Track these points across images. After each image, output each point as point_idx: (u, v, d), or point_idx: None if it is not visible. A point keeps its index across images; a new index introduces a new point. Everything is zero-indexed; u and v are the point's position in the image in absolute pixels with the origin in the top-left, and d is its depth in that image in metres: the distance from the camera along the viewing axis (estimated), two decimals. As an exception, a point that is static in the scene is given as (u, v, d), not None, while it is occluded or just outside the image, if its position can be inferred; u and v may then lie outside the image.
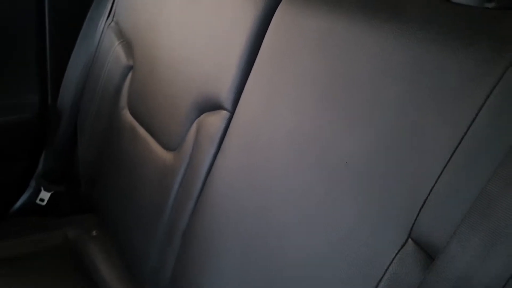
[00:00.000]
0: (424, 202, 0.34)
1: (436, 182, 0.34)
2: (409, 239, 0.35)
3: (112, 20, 0.80)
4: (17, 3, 0.78)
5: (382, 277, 0.36)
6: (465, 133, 0.33)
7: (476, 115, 0.33)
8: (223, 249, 0.50)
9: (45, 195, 0.87)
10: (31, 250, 0.76)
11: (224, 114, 0.54)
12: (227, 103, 0.54)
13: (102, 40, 0.80)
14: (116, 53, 0.75)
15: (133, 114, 0.71)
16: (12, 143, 0.86)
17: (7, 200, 0.89)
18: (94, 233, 0.81)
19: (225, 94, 0.54)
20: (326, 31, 0.44)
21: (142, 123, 0.68)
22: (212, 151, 0.55)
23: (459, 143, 0.33)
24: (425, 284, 0.33)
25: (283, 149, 0.46)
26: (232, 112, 0.53)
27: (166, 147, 0.63)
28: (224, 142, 0.53)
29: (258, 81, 0.50)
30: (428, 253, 0.34)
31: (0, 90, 0.82)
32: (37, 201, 0.88)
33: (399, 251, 0.36)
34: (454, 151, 0.33)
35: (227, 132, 0.53)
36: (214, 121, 0.55)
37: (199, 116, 0.58)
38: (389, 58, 0.38)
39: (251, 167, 0.49)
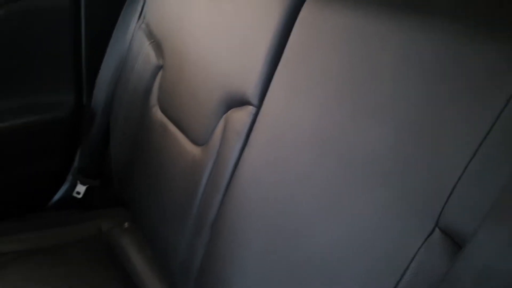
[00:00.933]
0: (452, 191, 0.35)
1: (464, 170, 0.34)
2: (436, 228, 0.36)
3: (143, 22, 0.83)
4: (54, 7, 0.82)
5: (408, 266, 0.37)
6: (494, 123, 0.33)
7: (505, 105, 0.33)
8: (249, 241, 0.52)
9: (81, 189, 0.92)
10: (67, 240, 0.80)
11: (251, 109, 0.55)
12: (254, 99, 0.55)
13: (133, 41, 0.83)
14: (146, 53, 0.78)
15: (163, 111, 0.73)
16: (50, 140, 0.90)
17: (46, 193, 0.93)
18: (126, 225, 0.84)
19: (251, 90, 0.55)
20: (352, 27, 0.44)
21: (172, 120, 0.71)
22: (239, 145, 0.56)
23: (488, 132, 0.33)
24: (452, 272, 0.33)
25: (309, 143, 0.47)
26: (259, 108, 0.55)
27: (195, 142, 0.65)
28: (250, 137, 0.55)
29: (284, 77, 0.51)
30: (456, 242, 0.35)
31: (39, 90, 0.87)
32: (74, 194, 0.92)
33: (425, 239, 0.36)
34: (483, 140, 0.34)
35: (254, 127, 0.54)
36: (241, 116, 0.56)
37: (226, 112, 0.60)
38: (415, 52, 0.39)
39: (277, 161, 0.50)
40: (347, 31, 0.45)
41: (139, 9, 0.84)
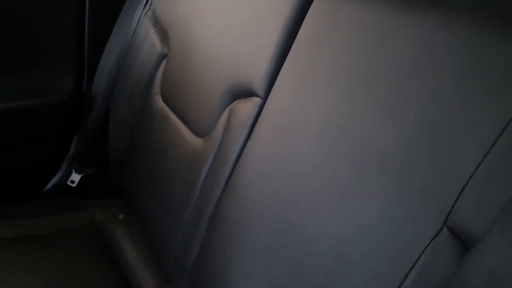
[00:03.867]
0: (462, 190, 0.34)
1: (475, 170, 0.33)
2: (444, 227, 0.35)
3: (149, 8, 0.82)
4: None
5: (414, 265, 0.36)
6: (509, 122, 0.32)
7: (521, 104, 0.32)
8: (250, 235, 0.51)
9: (75, 177, 0.90)
10: (59, 229, 0.79)
11: (257, 101, 0.54)
12: (260, 90, 0.54)
13: (138, 28, 0.82)
14: (151, 41, 0.77)
15: (165, 100, 0.72)
16: (47, 125, 0.88)
17: (40, 180, 0.92)
18: (120, 216, 0.83)
19: (258, 81, 0.54)
20: (366, 19, 0.43)
21: (173, 110, 0.70)
22: (243, 137, 0.55)
23: (502, 131, 0.33)
24: (460, 273, 0.33)
25: (317, 137, 0.46)
26: (265, 99, 0.54)
27: (196, 133, 0.64)
28: (255, 128, 0.54)
29: (293, 69, 0.51)
30: (464, 242, 0.34)
31: (39, 73, 0.85)
32: (68, 182, 0.91)
33: (433, 239, 0.35)
34: (497, 139, 0.33)
35: (259, 119, 0.54)
36: (246, 107, 0.55)
37: (231, 103, 0.59)
38: (431, 46, 0.38)
39: (282, 153, 0.49)
40: (362, 24, 0.44)
41: (146, -5, 0.83)
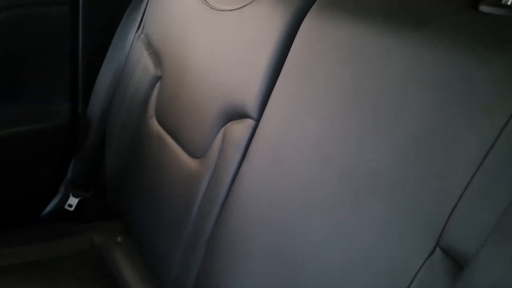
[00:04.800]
0: (453, 210, 0.34)
1: (465, 189, 0.34)
2: (437, 247, 0.35)
3: (142, 32, 0.83)
4: (52, 15, 0.81)
5: (409, 285, 0.36)
6: (496, 140, 0.33)
7: (507, 121, 0.33)
8: (248, 257, 0.51)
9: (73, 201, 0.90)
10: (58, 254, 0.78)
11: (250, 122, 0.55)
12: (253, 112, 0.55)
13: (131, 51, 0.83)
14: (144, 64, 0.78)
15: (160, 123, 0.73)
16: (44, 150, 0.89)
17: (37, 205, 0.91)
18: (119, 239, 0.82)
19: (251, 103, 0.55)
20: (354, 41, 0.44)
21: (169, 132, 0.70)
22: (237, 158, 0.56)
23: (490, 149, 0.33)
24: (454, 293, 0.33)
25: (309, 156, 0.46)
26: (258, 120, 0.54)
27: (192, 154, 0.65)
28: (249, 150, 0.54)
29: (284, 90, 0.51)
30: (457, 262, 0.34)
31: (34, 98, 0.86)
32: (66, 206, 0.90)
33: (426, 259, 0.35)
34: (484, 158, 0.33)
35: (253, 140, 0.54)
36: (240, 129, 0.56)
37: (225, 124, 0.59)
38: (417, 66, 0.39)
39: (276, 174, 0.49)
40: (349, 45, 0.45)
41: (139, 19, 0.84)
